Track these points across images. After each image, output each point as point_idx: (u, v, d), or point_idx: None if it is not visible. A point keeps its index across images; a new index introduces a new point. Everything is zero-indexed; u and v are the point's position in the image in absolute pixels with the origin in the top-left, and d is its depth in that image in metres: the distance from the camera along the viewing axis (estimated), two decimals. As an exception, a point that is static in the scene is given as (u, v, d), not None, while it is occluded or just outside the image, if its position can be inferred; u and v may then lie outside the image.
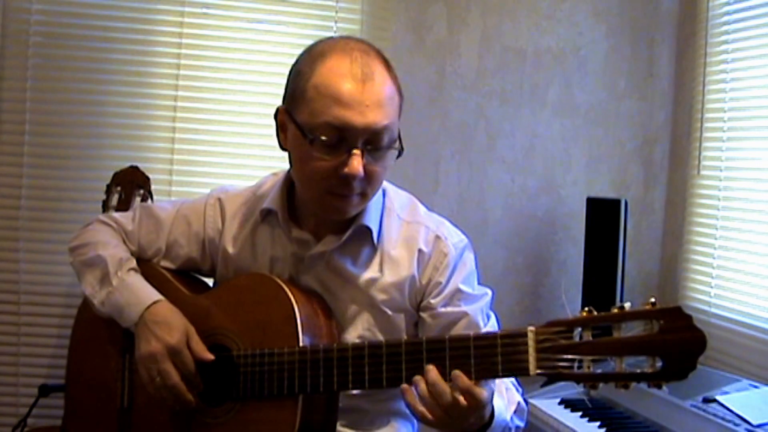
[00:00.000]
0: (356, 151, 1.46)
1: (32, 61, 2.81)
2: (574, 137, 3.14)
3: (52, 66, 2.84)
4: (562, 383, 2.57)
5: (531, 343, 1.28)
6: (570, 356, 1.23)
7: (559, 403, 2.51)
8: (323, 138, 1.47)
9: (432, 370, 1.37)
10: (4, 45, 2.79)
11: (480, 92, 3.07)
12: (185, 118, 2.90)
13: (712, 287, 2.83)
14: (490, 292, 1.69)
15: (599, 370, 1.23)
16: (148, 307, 1.63)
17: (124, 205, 2.54)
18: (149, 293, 1.67)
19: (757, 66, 2.74)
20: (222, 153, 2.90)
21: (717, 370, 2.57)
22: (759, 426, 2.11)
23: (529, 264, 3.14)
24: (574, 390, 2.57)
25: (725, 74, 2.85)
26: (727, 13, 2.85)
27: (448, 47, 3.05)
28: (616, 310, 1.21)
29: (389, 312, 1.64)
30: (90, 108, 2.86)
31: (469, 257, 1.70)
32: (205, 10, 2.88)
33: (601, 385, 1.22)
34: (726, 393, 2.32)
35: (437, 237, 1.65)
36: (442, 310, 1.62)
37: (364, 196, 1.56)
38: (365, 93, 1.45)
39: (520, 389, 1.62)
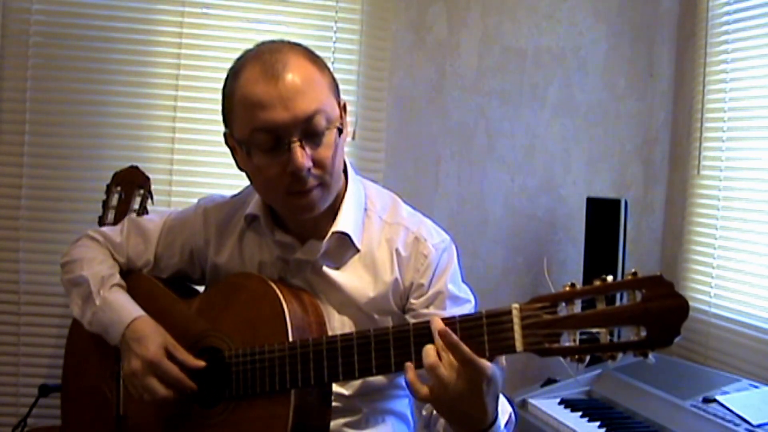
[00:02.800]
0: (294, 145, 1.46)
1: (32, 61, 2.82)
2: (574, 137, 3.14)
3: (52, 66, 2.85)
4: (561, 383, 2.59)
5: (516, 320, 1.27)
6: (555, 331, 1.23)
7: (559, 403, 2.49)
8: (259, 144, 1.48)
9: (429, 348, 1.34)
10: (4, 45, 2.80)
11: (480, 92, 3.08)
12: (185, 118, 2.91)
13: (712, 287, 2.82)
14: (473, 299, 1.68)
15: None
16: (128, 324, 1.64)
17: (124, 205, 2.54)
18: (130, 310, 1.67)
19: (757, 66, 2.74)
20: (222, 153, 2.79)
21: (717, 370, 2.56)
22: (759, 426, 2.09)
23: (529, 264, 3.13)
24: (574, 390, 2.55)
25: (725, 74, 2.85)
26: (727, 13, 2.85)
27: (448, 47, 3.06)
28: (598, 283, 1.21)
29: (375, 316, 1.64)
30: (90, 108, 2.87)
31: (452, 256, 1.67)
32: (205, 10, 2.90)
33: (588, 357, 1.21)
34: (726, 393, 2.30)
35: (416, 238, 1.64)
36: (425, 311, 1.61)
37: (325, 185, 1.54)
38: (281, 87, 1.45)
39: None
